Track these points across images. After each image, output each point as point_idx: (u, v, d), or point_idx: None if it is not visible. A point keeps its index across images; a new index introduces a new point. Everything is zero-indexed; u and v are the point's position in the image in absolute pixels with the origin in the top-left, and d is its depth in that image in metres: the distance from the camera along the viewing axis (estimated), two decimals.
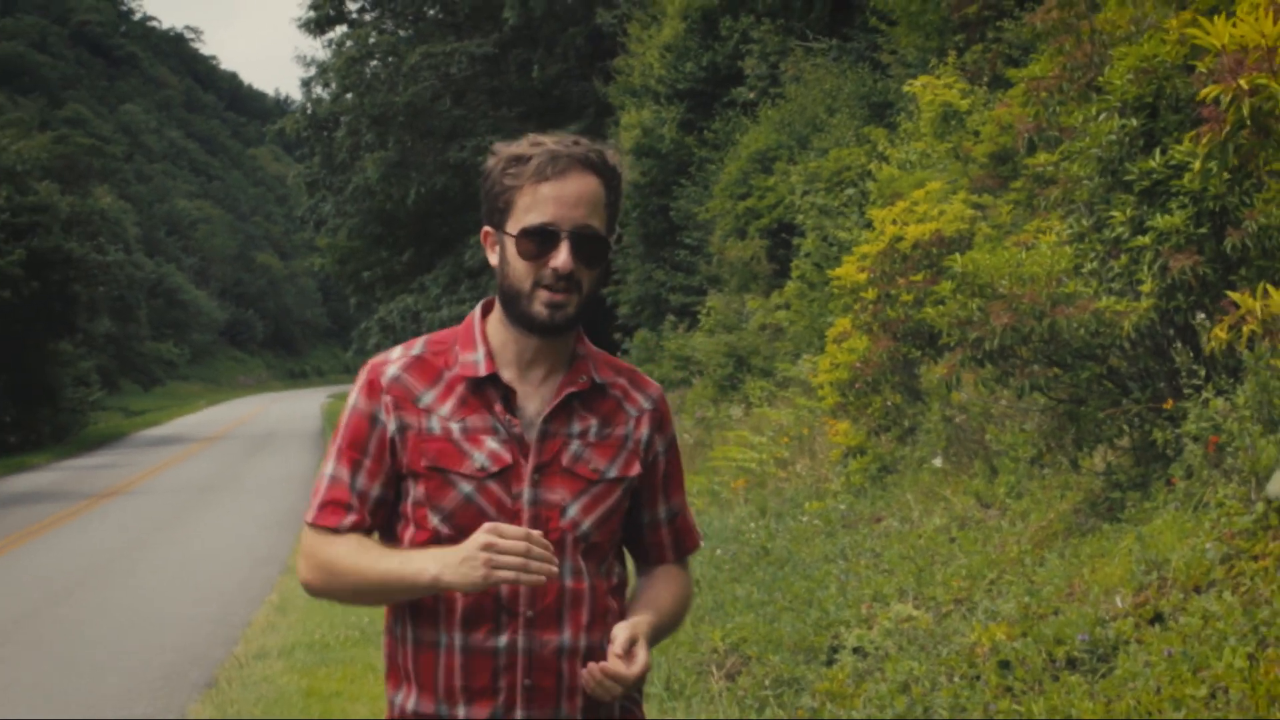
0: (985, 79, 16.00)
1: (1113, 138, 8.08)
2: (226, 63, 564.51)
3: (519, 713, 3.02)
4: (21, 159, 46.64)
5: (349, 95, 40.44)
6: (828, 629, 8.30)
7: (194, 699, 9.90)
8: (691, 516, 3.39)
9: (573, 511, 3.07)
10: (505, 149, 3.09)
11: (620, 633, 2.97)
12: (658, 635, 3.13)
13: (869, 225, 15.80)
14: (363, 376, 3.15)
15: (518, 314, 3.06)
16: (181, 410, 71.54)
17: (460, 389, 3.09)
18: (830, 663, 7.84)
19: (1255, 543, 6.23)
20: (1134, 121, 8.03)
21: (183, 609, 13.56)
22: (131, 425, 59.21)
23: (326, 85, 42.47)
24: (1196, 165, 6.96)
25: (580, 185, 3.00)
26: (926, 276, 12.10)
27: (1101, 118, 8.17)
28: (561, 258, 2.97)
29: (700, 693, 8.08)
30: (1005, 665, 6.47)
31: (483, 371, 3.09)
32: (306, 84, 42.75)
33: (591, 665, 2.94)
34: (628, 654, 2.95)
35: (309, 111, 42.62)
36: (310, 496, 3.18)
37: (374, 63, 39.89)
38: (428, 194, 38.38)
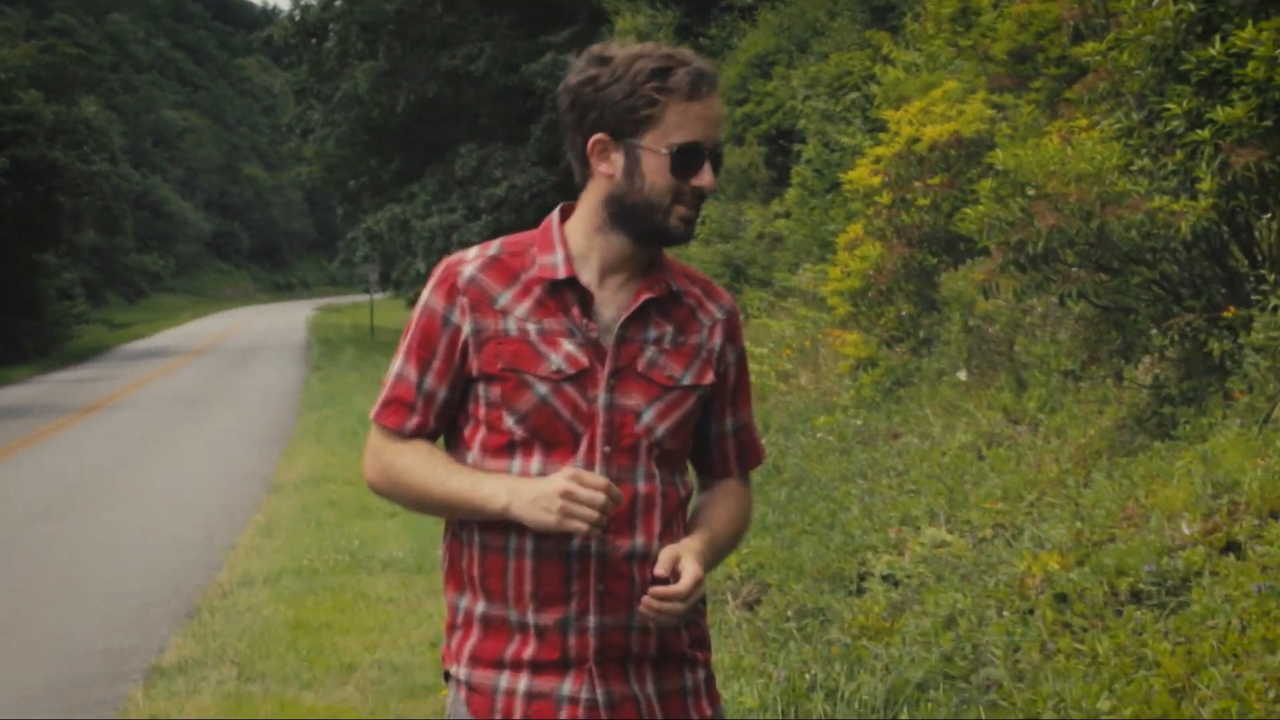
0: None
1: (1168, 24, 7.47)
2: None
3: (591, 618, 2.98)
4: (6, 67, 45.91)
5: (338, 2, 39.68)
6: (853, 554, 7.74)
7: (175, 630, 9.33)
8: (758, 432, 3.36)
9: (648, 417, 3.03)
10: (632, 56, 2.96)
11: (663, 554, 2.92)
12: (714, 554, 3.10)
13: (874, 129, 15.28)
14: (438, 275, 3.09)
15: (649, 227, 3.01)
16: (167, 323, 70.93)
17: (538, 291, 3.03)
18: (859, 592, 7.27)
19: None
20: (1191, 6, 7.41)
21: (166, 529, 12.99)
22: (116, 338, 58.57)
23: None
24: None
25: (719, 105, 3.01)
26: (944, 179, 11.59)
27: (1155, 3, 7.56)
28: (706, 177, 2.97)
29: (716, 623, 7.49)
30: (1062, 598, 5.90)
31: (562, 274, 3.02)
32: None
33: (645, 598, 2.89)
34: (672, 573, 2.90)
35: (297, 19, 41.79)
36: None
37: None
38: (418, 102, 37.71)
